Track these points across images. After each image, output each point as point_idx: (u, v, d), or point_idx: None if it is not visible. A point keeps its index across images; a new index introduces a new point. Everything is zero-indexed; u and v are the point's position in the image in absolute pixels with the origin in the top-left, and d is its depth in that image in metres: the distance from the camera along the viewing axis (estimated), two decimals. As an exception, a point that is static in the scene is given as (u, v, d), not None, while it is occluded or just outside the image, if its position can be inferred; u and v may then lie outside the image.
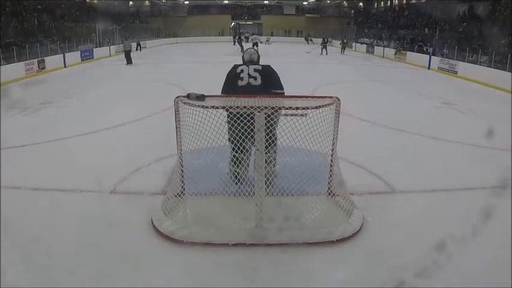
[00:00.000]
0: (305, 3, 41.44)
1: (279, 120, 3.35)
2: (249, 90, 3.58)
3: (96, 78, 13.46)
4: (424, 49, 19.40)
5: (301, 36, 37.01)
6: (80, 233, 3.18)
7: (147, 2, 40.27)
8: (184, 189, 3.53)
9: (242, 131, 3.12)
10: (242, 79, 3.69)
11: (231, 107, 3.05)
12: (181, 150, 3.40)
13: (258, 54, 4.08)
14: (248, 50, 4.10)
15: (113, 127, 6.51)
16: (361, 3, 40.16)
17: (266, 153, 3.12)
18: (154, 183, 4.10)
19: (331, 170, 3.47)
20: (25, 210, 3.57)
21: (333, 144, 3.41)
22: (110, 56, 21.32)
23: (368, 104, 8.65)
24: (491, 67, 13.33)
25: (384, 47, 23.86)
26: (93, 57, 19.15)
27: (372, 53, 24.69)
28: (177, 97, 3.32)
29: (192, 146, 3.31)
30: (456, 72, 14.87)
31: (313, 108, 3.05)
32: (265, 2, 41.83)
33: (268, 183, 3.20)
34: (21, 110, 7.72)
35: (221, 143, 3.33)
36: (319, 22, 39.70)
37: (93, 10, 28.26)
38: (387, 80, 13.81)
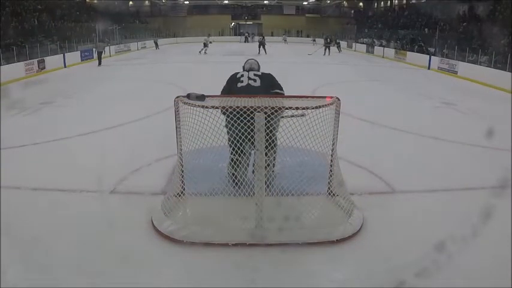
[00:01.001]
0: (305, 3, 41.44)
1: (279, 121, 3.35)
2: (249, 91, 3.59)
3: (96, 78, 13.45)
4: (424, 49, 19.39)
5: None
6: (80, 233, 3.18)
7: (147, 2, 40.27)
8: (184, 189, 3.53)
9: (242, 131, 3.11)
10: (242, 82, 3.72)
11: (231, 107, 3.05)
12: (181, 150, 3.40)
13: (259, 64, 4.12)
14: (249, 61, 4.16)
15: (113, 127, 6.51)
16: (361, 3, 40.16)
17: (266, 153, 3.12)
18: (154, 183, 4.10)
19: (331, 170, 3.47)
20: (25, 210, 3.57)
21: (333, 144, 3.41)
22: (110, 56, 21.31)
23: (368, 104, 8.64)
24: (491, 67, 13.32)
25: (384, 46, 23.85)
26: (93, 57, 19.07)
27: (372, 53, 24.68)
28: (177, 97, 3.32)
29: (192, 146, 3.31)
30: (456, 72, 14.86)
31: (313, 108, 3.05)
32: (265, 2, 41.82)
33: (267, 185, 3.20)
34: (21, 110, 7.72)
35: (221, 143, 3.34)
36: (319, 22, 39.67)
37: (93, 10, 28.27)
38: (387, 80, 13.80)
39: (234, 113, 3.12)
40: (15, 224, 3.23)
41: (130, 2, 38.22)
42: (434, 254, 2.59)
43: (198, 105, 3.10)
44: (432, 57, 17.53)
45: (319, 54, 22.43)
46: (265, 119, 2.96)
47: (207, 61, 18.32)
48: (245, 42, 35.42)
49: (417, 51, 19.71)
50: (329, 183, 3.51)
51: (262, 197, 3.04)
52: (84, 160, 4.74)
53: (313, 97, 3.49)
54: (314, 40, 27.73)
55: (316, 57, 21.15)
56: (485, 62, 14.10)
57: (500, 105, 9.27)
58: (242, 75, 3.77)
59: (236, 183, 3.51)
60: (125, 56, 22.51)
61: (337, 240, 3.03)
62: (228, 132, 3.43)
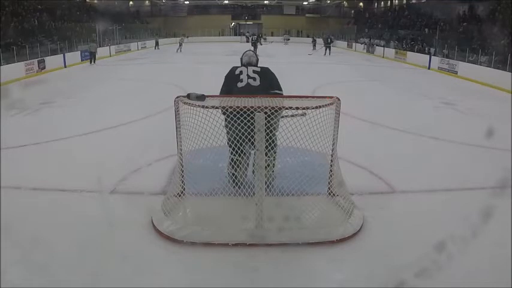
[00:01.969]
0: (305, 3, 41.42)
1: (279, 121, 3.35)
2: (248, 91, 3.58)
3: (96, 78, 13.46)
4: (425, 49, 19.39)
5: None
6: (80, 233, 3.18)
7: (147, 2, 40.26)
8: (184, 189, 3.53)
9: (242, 131, 3.11)
10: (241, 81, 3.69)
11: (231, 107, 3.04)
12: (181, 150, 3.40)
13: (257, 57, 4.09)
14: (247, 53, 4.10)
15: (113, 127, 6.51)
16: (361, 3, 40.15)
17: (266, 153, 3.12)
18: (154, 183, 4.10)
19: (331, 170, 3.47)
20: (25, 210, 3.57)
21: (333, 144, 3.41)
22: (110, 55, 21.32)
23: (368, 104, 8.64)
24: (491, 67, 13.31)
25: (384, 46, 23.84)
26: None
27: (372, 53, 24.68)
28: (177, 97, 3.32)
29: (192, 146, 3.30)
30: (456, 72, 14.86)
31: (313, 108, 3.05)
32: (265, 2, 41.81)
33: (267, 185, 3.20)
34: (21, 110, 7.72)
35: (221, 143, 3.34)
36: (319, 22, 39.65)
37: (93, 10, 28.26)
38: (387, 80, 13.79)
39: (234, 113, 3.11)
40: (15, 224, 3.22)
41: (131, 2, 38.21)
42: (434, 254, 2.59)
43: (198, 105, 3.10)
44: (432, 57, 17.53)
45: (319, 54, 22.51)
46: (265, 119, 2.96)
47: (207, 61, 18.31)
48: (246, 42, 34.92)
49: (417, 51, 19.72)
50: (329, 183, 3.51)
51: (262, 197, 3.04)
52: (84, 160, 4.74)
53: (313, 97, 3.49)
54: (314, 40, 27.60)
55: (318, 57, 21.17)
56: (485, 62, 14.09)
57: (500, 105, 9.27)
58: (241, 72, 3.73)
59: (236, 184, 3.51)
60: (125, 56, 22.52)
61: (337, 240, 3.03)
62: (228, 132, 3.43)
